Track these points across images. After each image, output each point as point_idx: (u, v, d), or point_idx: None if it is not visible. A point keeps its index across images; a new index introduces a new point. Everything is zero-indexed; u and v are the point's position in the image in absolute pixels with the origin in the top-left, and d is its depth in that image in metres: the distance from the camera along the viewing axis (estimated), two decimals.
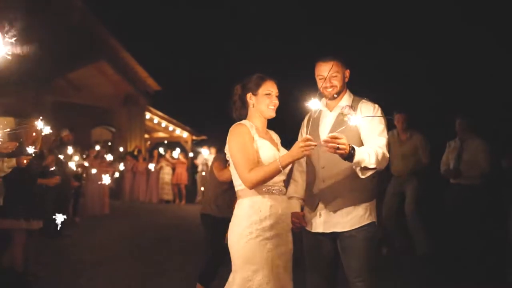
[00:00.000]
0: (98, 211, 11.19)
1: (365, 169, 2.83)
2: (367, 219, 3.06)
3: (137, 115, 17.76)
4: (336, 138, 2.64)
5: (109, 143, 18.77)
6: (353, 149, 2.70)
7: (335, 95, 3.14)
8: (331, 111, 3.18)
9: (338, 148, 2.63)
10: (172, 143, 20.08)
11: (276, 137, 3.17)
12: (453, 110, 6.97)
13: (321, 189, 3.09)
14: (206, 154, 14.46)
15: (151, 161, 15.26)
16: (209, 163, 14.84)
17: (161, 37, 23.80)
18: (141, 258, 6.84)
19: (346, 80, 3.17)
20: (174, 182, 15.05)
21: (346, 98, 3.17)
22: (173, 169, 15.15)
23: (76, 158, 9.38)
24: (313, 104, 2.72)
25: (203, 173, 14.44)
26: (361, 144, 3.01)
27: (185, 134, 19.98)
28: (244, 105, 3.04)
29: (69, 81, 15.21)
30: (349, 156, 2.70)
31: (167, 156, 15.28)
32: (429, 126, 8.50)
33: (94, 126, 18.15)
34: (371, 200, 3.12)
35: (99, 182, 10.41)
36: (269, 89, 2.99)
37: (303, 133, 3.31)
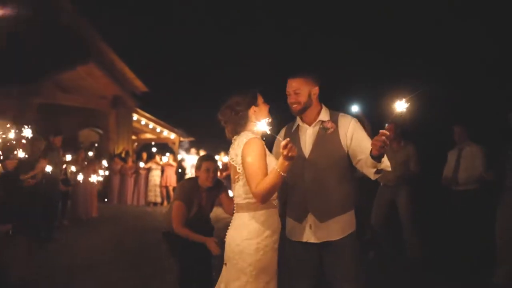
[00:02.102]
0: (86, 214, 11.18)
1: (380, 171, 3.05)
2: (352, 226, 3.26)
3: (124, 117, 17.73)
4: (389, 136, 2.78)
5: (96, 145, 18.73)
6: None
7: (300, 112, 3.27)
8: (310, 126, 3.31)
9: (383, 146, 2.78)
10: (160, 145, 20.07)
11: None
12: (452, 118, 7.12)
13: (309, 201, 3.22)
14: (190, 161, 14.68)
15: (140, 161, 15.27)
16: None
17: (148, 38, 23.72)
18: (132, 262, 6.90)
19: (315, 96, 3.26)
20: (163, 184, 15.07)
21: (324, 113, 3.31)
22: (162, 171, 15.18)
23: (68, 157, 9.40)
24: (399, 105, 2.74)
25: (191, 173, 14.56)
26: (342, 156, 3.21)
27: (172, 136, 19.98)
28: (245, 121, 3.05)
29: (57, 82, 15.18)
30: (380, 156, 2.88)
31: (157, 158, 15.29)
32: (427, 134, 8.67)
33: (81, 128, 18.09)
34: (353, 207, 3.30)
35: (90, 181, 10.46)
36: (262, 98, 3.10)
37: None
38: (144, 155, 15.74)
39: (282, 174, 2.71)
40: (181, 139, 20.14)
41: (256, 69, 19.54)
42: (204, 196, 4.52)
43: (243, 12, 22.64)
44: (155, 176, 15.02)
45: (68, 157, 9.42)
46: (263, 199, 2.81)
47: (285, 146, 2.61)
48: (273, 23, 21.77)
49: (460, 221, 6.29)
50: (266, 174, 2.81)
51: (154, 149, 15.72)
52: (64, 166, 9.20)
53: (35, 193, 6.08)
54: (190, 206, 4.44)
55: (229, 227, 3.05)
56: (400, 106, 2.74)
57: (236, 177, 3.00)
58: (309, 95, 3.25)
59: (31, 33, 14.41)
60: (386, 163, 3.03)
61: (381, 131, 2.80)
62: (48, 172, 6.30)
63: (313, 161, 3.21)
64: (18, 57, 13.62)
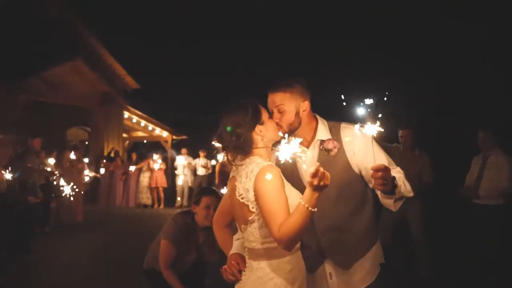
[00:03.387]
0: (71, 220, 10.62)
1: (401, 199, 2.43)
2: (379, 264, 2.65)
3: (114, 115, 17.15)
4: (387, 169, 2.19)
5: (86, 143, 18.28)
6: (394, 179, 2.28)
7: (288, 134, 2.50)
8: (308, 148, 2.63)
9: (385, 183, 2.19)
10: (152, 143, 19.58)
11: None
12: (475, 122, 6.49)
13: (323, 244, 2.58)
14: (182, 161, 14.26)
15: (129, 164, 14.75)
16: (195, 164, 14.55)
17: (140, 33, 23.16)
18: (116, 278, 6.35)
19: (305, 113, 2.59)
20: (153, 186, 14.53)
21: (322, 129, 2.63)
22: (152, 172, 14.66)
23: (51, 161, 8.88)
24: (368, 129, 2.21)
25: (184, 174, 14.20)
26: (355, 180, 2.58)
27: (165, 134, 19.44)
28: (249, 145, 2.39)
29: (44, 79, 14.63)
30: (392, 189, 2.27)
31: (149, 159, 14.72)
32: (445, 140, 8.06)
33: (70, 126, 17.61)
34: (378, 237, 2.70)
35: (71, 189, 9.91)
36: (266, 111, 2.47)
37: None
38: (134, 156, 15.20)
39: (311, 209, 2.09)
40: (174, 137, 19.61)
41: (251, 68, 19.02)
42: (202, 236, 3.83)
43: (240, 11, 22.11)
44: (146, 177, 14.48)
45: (51, 161, 8.88)
46: (289, 245, 2.18)
47: (315, 174, 2.02)
48: (273, 22, 21.21)
49: (478, 239, 5.67)
50: (288, 211, 2.19)
51: (144, 150, 15.10)
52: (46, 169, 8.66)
53: (4, 201, 5.55)
54: (184, 248, 3.79)
55: (243, 277, 2.39)
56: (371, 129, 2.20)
57: (250, 218, 2.32)
58: (297, 113, 2.58)
59: (17, 28, 13.84)
60: (404, 188, 2.40)
61: (372, 167, 2.20)
62: (9, 179, 5.76)
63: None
64: (3, 52, 13.06)
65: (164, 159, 15.64)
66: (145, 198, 14.49)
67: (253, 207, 2.29)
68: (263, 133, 2.39)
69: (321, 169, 2.02)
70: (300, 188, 2.42)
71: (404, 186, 2.40)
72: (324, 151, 2.58)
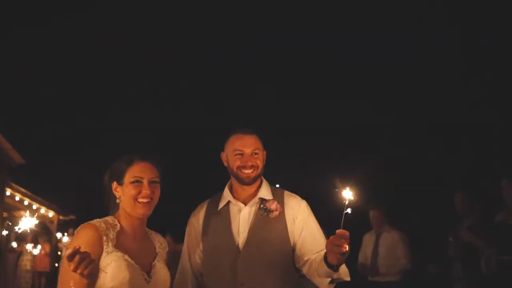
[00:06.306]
0: None
1: (334, 281, 2.28)
2: None
3: None
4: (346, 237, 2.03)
5: None
6: None
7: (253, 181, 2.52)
8: (245, 204, 2.46)
9: (344, 253, 2.04)
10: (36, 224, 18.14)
11: (159, 244, 2.29)
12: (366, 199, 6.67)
13: None
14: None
15: (7, 247, 13.49)
16: None
17: (29, 106, 22.09)
18: None
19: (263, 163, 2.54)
20: (35, 270, 13.34)
21: (265, 189, 2.51)
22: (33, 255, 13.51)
23: None
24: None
25: None
26: (287, 250, 2.41)
27: (50, 214, 18.11)
28: (112, 202, 2.26)
29: None
30: (338, 264, 2.14)
31: (28, 241, 13.57)
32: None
33: None
34: None
35: None
36: (136, 175, 2.19)
37: (197, 237, 2.49)
38: (12, 238, 13.97)
39: None
40: (61, 217, 18.32)
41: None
42: None
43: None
44: (25, 260, 13.32)
45: None
46: None
47: (71, 257, 1.74)
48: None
49: None
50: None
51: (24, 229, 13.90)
52: None
53: None
54: None
55: None
56: (347, 194, 2.07)
57: None
58: (263, 161, 2.51)
59: None
60: (344, 270, 2.28)
61: (338, 231, 2.03)
62: None
63: (249, 255, 2.32)
64: None
65: (48, 241, 14.48)
66: (24, 283, 13.22)
67: None
68: (119, 194, 2.21)
69: (80, 252, 1.75)
70: (233, 245, 2.33)
71: (345, 268, 2.29)
72: (264, 211, 2.42)
